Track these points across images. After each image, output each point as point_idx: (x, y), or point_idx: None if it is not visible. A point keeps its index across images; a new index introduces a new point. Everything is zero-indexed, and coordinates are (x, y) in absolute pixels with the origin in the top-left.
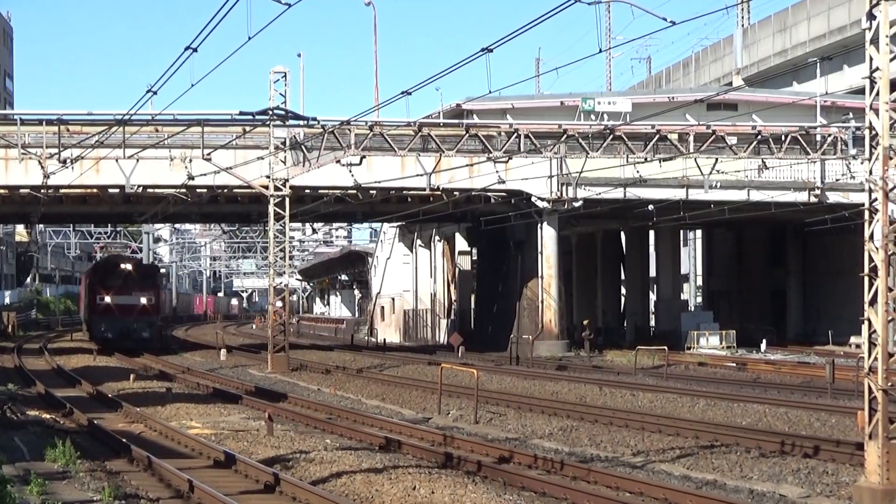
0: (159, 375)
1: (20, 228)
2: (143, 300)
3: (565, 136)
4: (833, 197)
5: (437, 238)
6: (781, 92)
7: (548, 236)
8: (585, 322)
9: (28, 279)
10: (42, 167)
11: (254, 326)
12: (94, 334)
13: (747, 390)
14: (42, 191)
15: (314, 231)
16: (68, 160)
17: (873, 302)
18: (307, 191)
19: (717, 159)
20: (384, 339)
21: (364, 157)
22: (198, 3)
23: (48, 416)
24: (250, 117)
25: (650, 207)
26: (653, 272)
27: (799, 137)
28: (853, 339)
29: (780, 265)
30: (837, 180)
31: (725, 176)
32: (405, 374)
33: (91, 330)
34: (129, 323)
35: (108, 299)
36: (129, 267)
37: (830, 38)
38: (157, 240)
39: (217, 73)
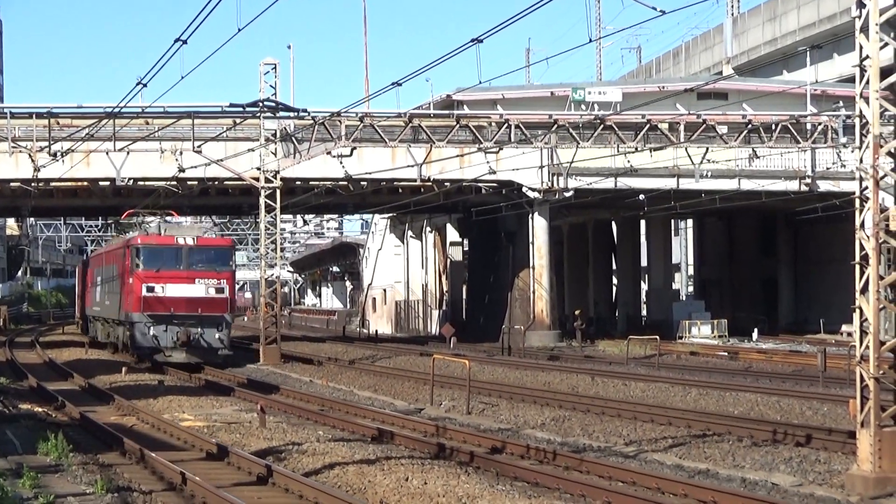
0: (150, 368)
1: (11, 222)
2: (214, 290)
3: (556, 126)
4: (823, 185)
5: (428, 229)
6: (772, 81)
7: (539, 227)
8: (577, 312)
9: (19, 273)
10: (32, 161)
11: (245, 318)
12: (136, 344)
13: (739, 379)
14: (32, 184)
15: (305, 223)
16: (58, 153)
17: (864, 290)
18: (298, 182)
19: (707, 148)
20: (376, 331)
21: (355, 148)
22: None
23: (40, 410)
24: (240, 109)
25: (641, 197)
26: (644, 262)
27: (789, 126)
28: (844, 328)
29: (772, 254)
30: (828, 169)
31: (716, 165)
32: (397, 365)
33: (133, 338)
34: (193, 324)
35: (159, 290)
36: (190, 240)
37: (820, 27)
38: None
39: (207, 65)
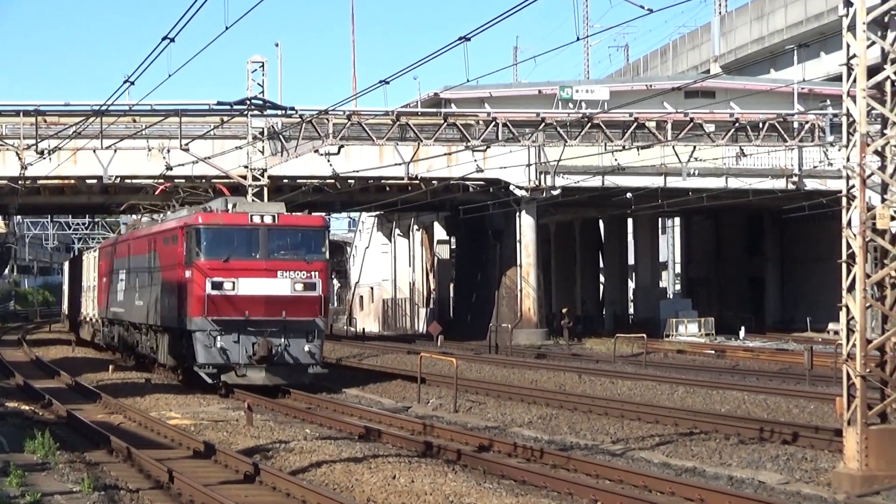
0: (137, 366)
1: None
2: (302, 285)
3: (543, 124)
4: (810, 184)
5: (415, 227)
6: (759, 79)
7: (526, 225)
8: (564, 310)
9: (6, 271)
10: (19, 158)
11: None
12: (197, 359)
13: (726, 377)
14: (19, 182)
15: None
16: (46, 151)
17: (851, 288)
18: (285, 180)
19: (695, 147)
20: (363, 329)
21: (342, 146)
22: None
23: (27, 408)
24: (228, 107)
25: (628, 195)
26: (631, 260)
27: (776, 125)
28: (831, 326)
29: (758, 252)
30: (815, 167)
31: (703, 163)
32: (384, 363)
33: (193, 352)
34: (274, 333)
35: (229, 286)
36: (269, 219)
37: (808, 26)
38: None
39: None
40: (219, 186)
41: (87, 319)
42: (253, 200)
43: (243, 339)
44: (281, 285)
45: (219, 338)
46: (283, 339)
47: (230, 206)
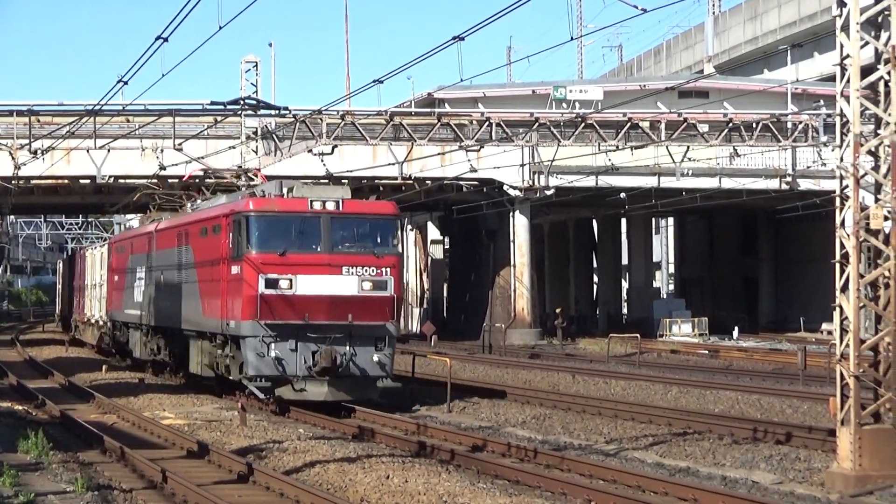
0: (131, 366)
1: None
2: (371, 284)
3: (537, 124)
4: (804, 184)
5: (409, 227)
6: (752, 79)
7: (520, 225)
8: (558, 310)
9: None
10: (13, 158)
11: None
12: (248, 370)
13: (720, 377)
14: (13, 182)
15: None
16: (39, 151)
17: (845, 289)
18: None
19: (688, 147)
20: None
21: (336, 146)
22: None
23: (20, 408)
24: (222, 107)
25: (622, 195)
26: (625, 260)
27: (770, 125)
28: (825, 326)
29: (752, 252)
30: (808, 167)
31: (697, 163)
32: None
33: (243, 362)
34: (339, 340)
35: (286, 284)
36: (332, 205)
37: (801, 26)
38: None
39: (188, 63)
40: (257, 173)
41: (92, 321)
42: (313, 183)
43: (301, 347)
44: (346, 284)
45: (273, 345)
46: (348, 348)
47: (285, 191)
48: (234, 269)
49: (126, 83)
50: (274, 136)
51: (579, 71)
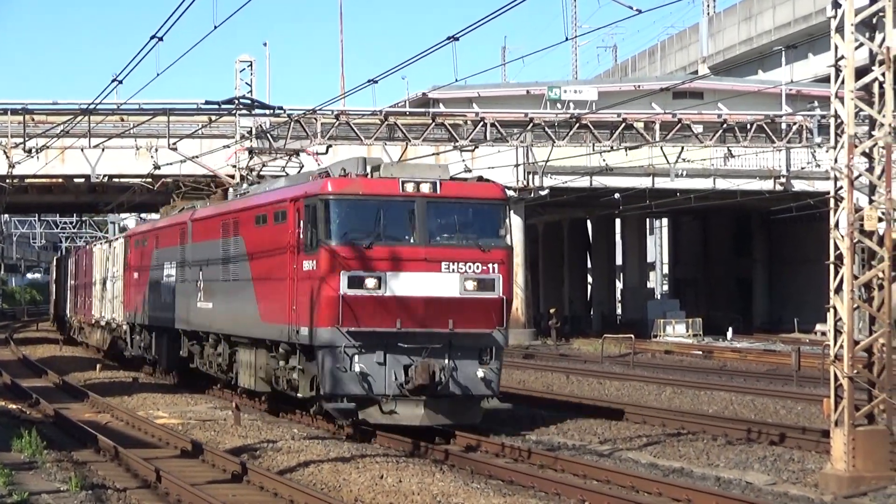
0: (124, 364)
1: None
2: (475, 283)
3: (531, 124)
4: (798, 185)
5: None
6: (747, 80)
7: (514, 225)
8: (552, 310)
9: None
10: (7, 157)
11: None
12: (328, 388)
13: (713, 378)
14: (7, 180)
15: None
16: (33, 150)
17: (839, 290)
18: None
19: (682, 148)
20: None
21: (330, 146)
22: None
23: (14, 407)
24: (216, 107)
25: (616, 196)
26: (619, 260)
27: (764, 126)
28: (819, 327)
29: (746, 253)
30: (803, 168)
31: (691, 164)
32: None
33: (324, 378)
34: (437, 351)
35: (373, 283)
36: (427, 187)
37: (796, 27)
38: (123, 229)
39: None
40: (308, 153)
41: (101, 323)
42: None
43: (391, 359)
44: (447, 283)
45: (357, 357)
46: (447, 361)
47: (369, 169)
48: (307, 265)
49: (121, 82)
50: (268, 135)
51: (574, 71)
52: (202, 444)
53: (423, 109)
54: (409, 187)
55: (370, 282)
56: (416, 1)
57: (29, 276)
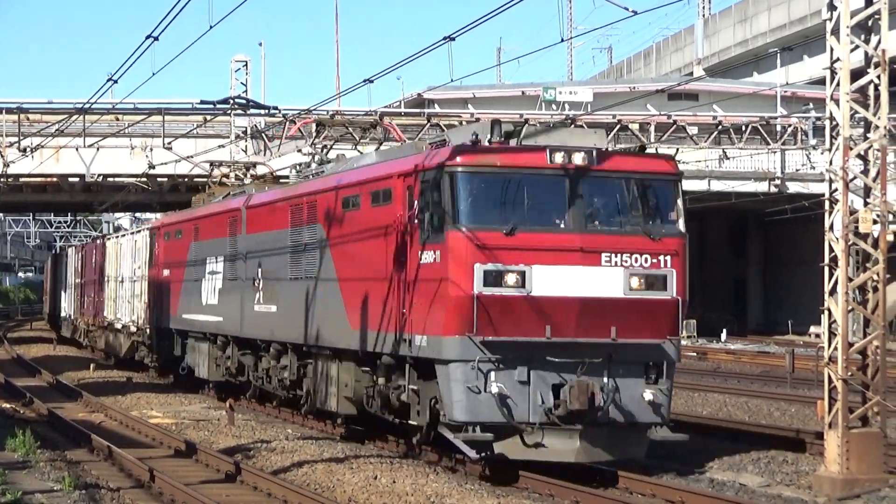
0: (118, 364)
1: None
2: (644, 281)
3: (526, 125)
4: (793, 187)
5: None
6: (742, 82)
7: None
8: None
9: None
10: (1, 156)
11: None
12: (450, 415)
13: (707, 380)
14: (1, 179)
15: None
16: (28, 149)
17: (833, 292)
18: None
19: (678, 149)
20: None
21: (325, 146)
22: None
23: (8, 406)
24: (211, 106)
25: None
26: None
27: (759, 128)
28: (813, 329)
29: (741, 255)
30: (798, 170)
31: (686, 166)
32: None
33: (448, 404)
34: (595, 368)
35: (515, 280)
36: (580, 158)
37: (791, 29)
38: (118, 229)
39: (178, 62)
40: (387, 125)
41: (116, 327)
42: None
43: (537, 377)
44: (608, 280)
45: (493, 375)
46: (607, 379)
47: (503, 135)
48: (427, 257)
49: (116, 82)
50: (263, 135)
51: (569, 72)
52: (196, 443)
53: (418, 110)
54: (559, 157)
55: (511, 278)
56: (411, 1)
57: (21, 275)
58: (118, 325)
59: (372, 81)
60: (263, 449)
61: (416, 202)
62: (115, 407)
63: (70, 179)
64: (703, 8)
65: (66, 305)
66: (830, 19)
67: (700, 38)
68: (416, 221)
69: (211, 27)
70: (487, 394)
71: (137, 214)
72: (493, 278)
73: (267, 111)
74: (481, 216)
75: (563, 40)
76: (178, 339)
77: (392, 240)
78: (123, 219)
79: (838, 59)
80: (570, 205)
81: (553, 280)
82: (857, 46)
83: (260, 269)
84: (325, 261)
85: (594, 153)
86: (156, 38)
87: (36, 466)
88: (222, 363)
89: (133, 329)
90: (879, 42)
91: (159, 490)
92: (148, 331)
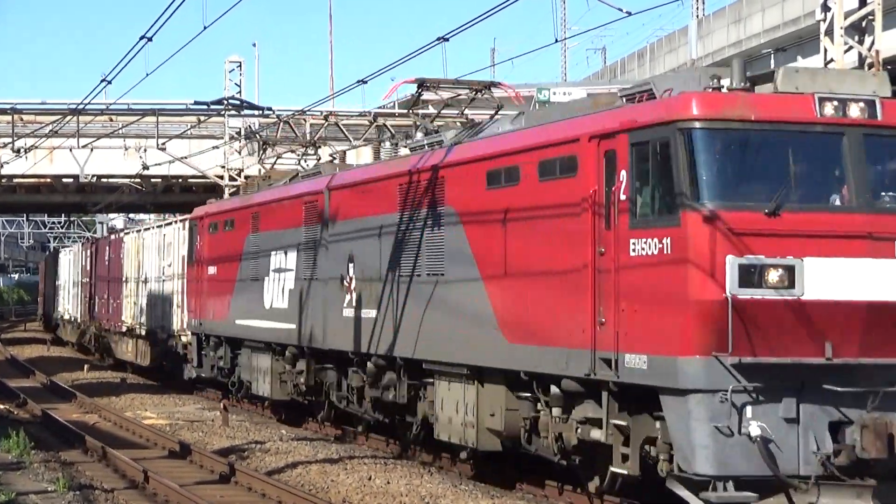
0: (112, 365)
1: None
2: None
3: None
4: None
5: None
6: None
7: None
8: None
9: None
10: None
11: None
12: (700, 468)
13: None
14: None
15: None
16: (21, 150)
17: None
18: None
19: None
20: None
21: (319, 146)
22: None
23: (2, 407)
24: (205, 107)
25: None
26: None
27: None
28: None
29: None
30: None
31: None
32: None
33: (691, 450)
34: (890, 398)
35: (780, 278)
36: (859, 110)
37: (785, 30)
38: (112, 230)
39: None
40: (502, 86)
41: (140, 332)
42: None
43: (809, 413)
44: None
45: (751, 410)
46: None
47: (749, 80)
48: (644, 247)
49: (109, 82)
50: (257, 135)
51: (563, 73)
52: (190, 444)
53: (407, 110)
54: (829, 109)
55: (774, 275)
56: (405, 1)
57: (14, 276)
58: (142, 332)
59: (366, 82)
60: (257, 450)
61: (623, 172)
62: (109, 408)
63: (64, 180)
64: (697, 9)
65: (70, 307)
66: (824, 20)
67: (694, 38)
68: (623, 199)
69: (205, 28)
70: (743, 437)
71: (132, 215)
72: (753, 276)
73: (261, 112)
74: (732, 190)
75: (556, 41)
76: (226, 348)
77: (577, 224)
78: (117, 220)
79: (832, 60)
80: (849, 173)
81: (832, 278)
82: (850, 47)
83: (352, 265)
84: (457, 253)
85: (875, 103)
86: (150, 39)
87: (30, 467)
88: (290, 379)
89: (162, 336)
90: (873, 43)
91: (153, 491)
92: (185, 339)
